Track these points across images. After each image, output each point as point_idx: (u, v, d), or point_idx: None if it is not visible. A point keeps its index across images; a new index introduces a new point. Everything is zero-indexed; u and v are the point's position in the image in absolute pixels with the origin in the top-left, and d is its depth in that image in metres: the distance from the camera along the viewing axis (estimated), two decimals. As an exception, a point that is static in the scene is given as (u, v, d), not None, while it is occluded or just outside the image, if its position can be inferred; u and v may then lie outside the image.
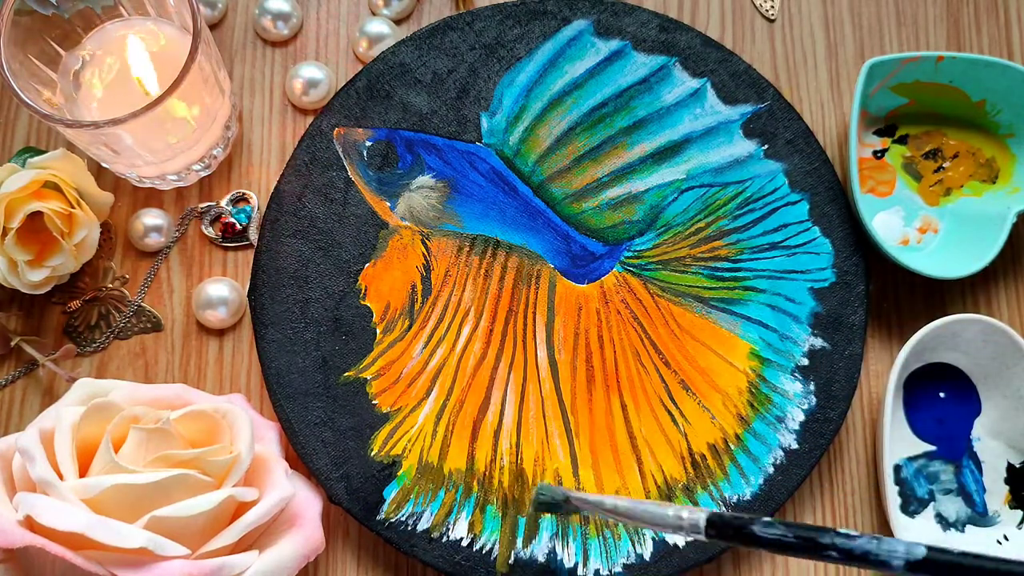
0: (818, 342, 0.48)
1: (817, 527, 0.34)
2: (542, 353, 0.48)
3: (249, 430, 0.42)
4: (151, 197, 0.51)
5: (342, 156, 0.49)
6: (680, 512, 0.37)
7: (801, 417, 0.47)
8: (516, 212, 0.50)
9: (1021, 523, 0.47)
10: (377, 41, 0.53)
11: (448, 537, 0.45)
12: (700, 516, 0.37)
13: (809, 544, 0.34)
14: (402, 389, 0.47)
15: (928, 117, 0.52)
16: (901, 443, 0.48)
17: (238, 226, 0.51)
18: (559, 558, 0.45)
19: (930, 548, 0.32)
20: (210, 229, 0.51)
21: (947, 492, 0.48)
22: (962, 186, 0.51)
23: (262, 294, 0.48)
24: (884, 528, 0.48)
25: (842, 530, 0.34)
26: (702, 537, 0.37)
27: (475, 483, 0.46)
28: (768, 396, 0.47)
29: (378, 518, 0.45)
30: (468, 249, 0.49)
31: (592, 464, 0.47)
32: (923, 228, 0.51)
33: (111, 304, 0.50)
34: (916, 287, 0.51)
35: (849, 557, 0.33)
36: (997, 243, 0.48)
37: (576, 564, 0.45)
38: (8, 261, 0.46)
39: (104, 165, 0.49)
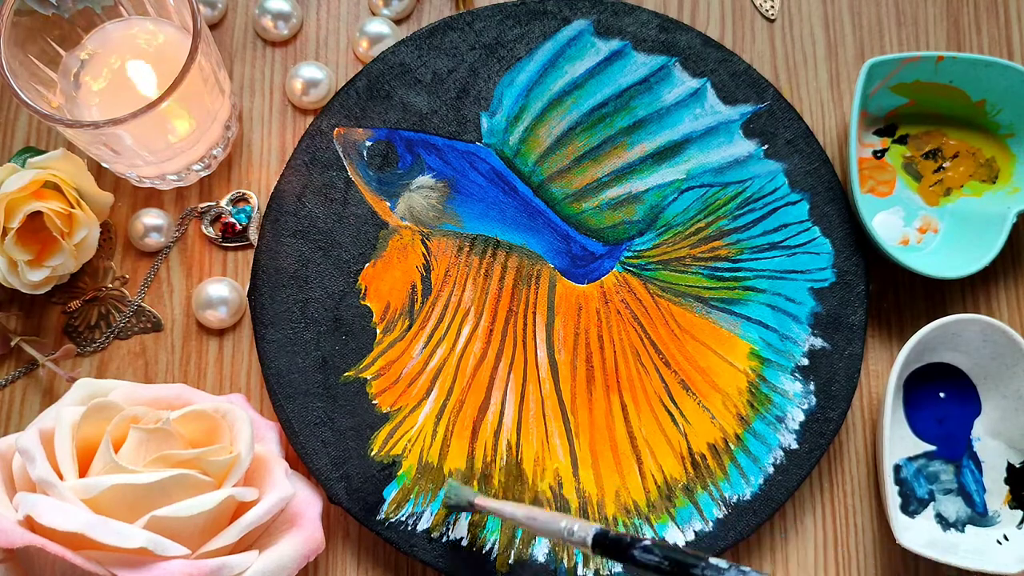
0: (818, 342, 0.48)
1: (692, 554, 0.35)
2: (542, 353, 0.48)
3: (249, 430, 0.42)
4: (151, 197, 0.51)
5: (342, 156, 0.49)
6: (572, 526, 0.39)
7: (801, 417, 0.47)
8: (516, 212, 0.50)
9: (1021, 523, 0.47)
10: (377, 41, 0.53)
11: (448, 537, 0.45)
12: (588, 531, 0.38)
13: (681, 572, 0.35)
14: (402, 389, 0.47)
15: (928, 117, 0.52)
16: (901, 443, 0.48)
17: (238, 226, 0.51)
18: (559, 558, 0.45)
19: None
20: (210, 229, 0.51)
21: (947, 492, 0.48)
22: (962, 186, 0.51)
23: (262, 294, 0.48)
24: (884, 528, 0.48)
25: (713, 560, 0.35)
26: (590, 552, 0.38)
27: (475, 483, 0.46)
28: (768, 396, 0.47)
29: (378, 518, 0.45)
30: (468, 249, 0.49)
31: (592, 464, 0.47)
32: (923, 228, 0.51)
33: (111, 304, 0.50)
34: (916, 287, 0.51)
35: None
36: (997, 243, 0.48)
37: (576, 564, 0.45)
38: (8, 261, 0.46)
39: (104, 165, 0.49)
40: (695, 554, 0.35)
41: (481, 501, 0.42)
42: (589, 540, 0.38)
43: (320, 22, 0.54)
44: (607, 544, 0.38)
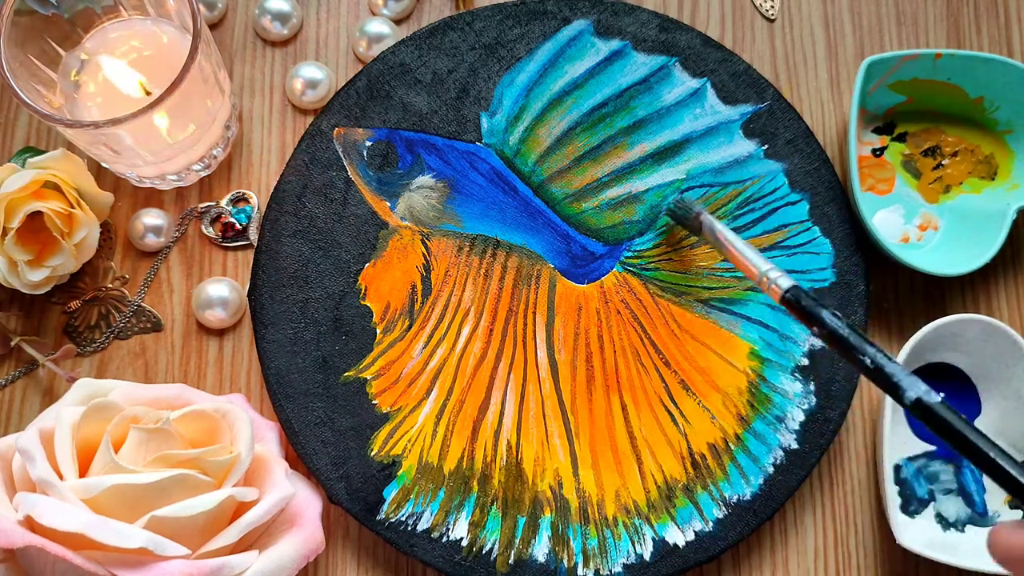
0: (818, 342, 0.48)
1: (867, 339, 0.37)
2: (542, 353, 0.48)
3: (249, 430, 0.42)
4: (151, 197, 0.51)
5: (342, 156, 0.49)
6: (771, 272, 0.41)
7: (801, 417, 0.47)
8: (516, 212, 0.50)
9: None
10: (377, 41, 0.53)
11: (448, 537, 0.45)
12: (782, 284, 0.40)
13: (854, 344, 0.37)
14: (402, 389, 0.47)
15: (927, 114, 0.52)
16: (901, 443, 0.48)
17: (238, 226, 0.51)
18: (559, 558, 0.45)
19: (943, 401, 0.35)
20: (210, 229, 0.51)
21: (947, 492, 0.48)
22: (961, 183, 0.51)
23: (262, 294, 0.48)
24: (884, 528, 0.48)
25: (885, 352, 0.37)
26: (776, 299, 0.41)
27: (475, 483, 0.46)
28: (768, 396, 0.47)
29: (378, 518, 0.45)
30: (468, 249, 0.49)
31: (592, 464, 0.47)
32: (923, 225, 0.51)
33: (111, 304, 0.50)
34: (916, 287, 0.51)
35: (876, 372, 0.36)
36: (997, 240, 0.48)
37: (576, 564, 0.45)
38: (8, 261, 0.46)
39: (104, 165, 0.49)
40: (869, 340, 0.37)
41: (706, 216, 0.45)
42: (781, 291, 0.40)
43: (320, 22, 0.54)
44: (795, 301, 0.40)
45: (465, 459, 0.46)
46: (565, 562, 0.45)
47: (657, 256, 0.49)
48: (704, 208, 0.47)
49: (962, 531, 0.47)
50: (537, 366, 0.48)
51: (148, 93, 0.48)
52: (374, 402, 0.47)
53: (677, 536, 0.45)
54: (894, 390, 0.35)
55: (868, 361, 0.36)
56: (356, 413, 0.47)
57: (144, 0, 0.48)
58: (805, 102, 0.54)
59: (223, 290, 0.49)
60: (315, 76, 0.52)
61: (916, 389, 0.35)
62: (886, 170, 0.52)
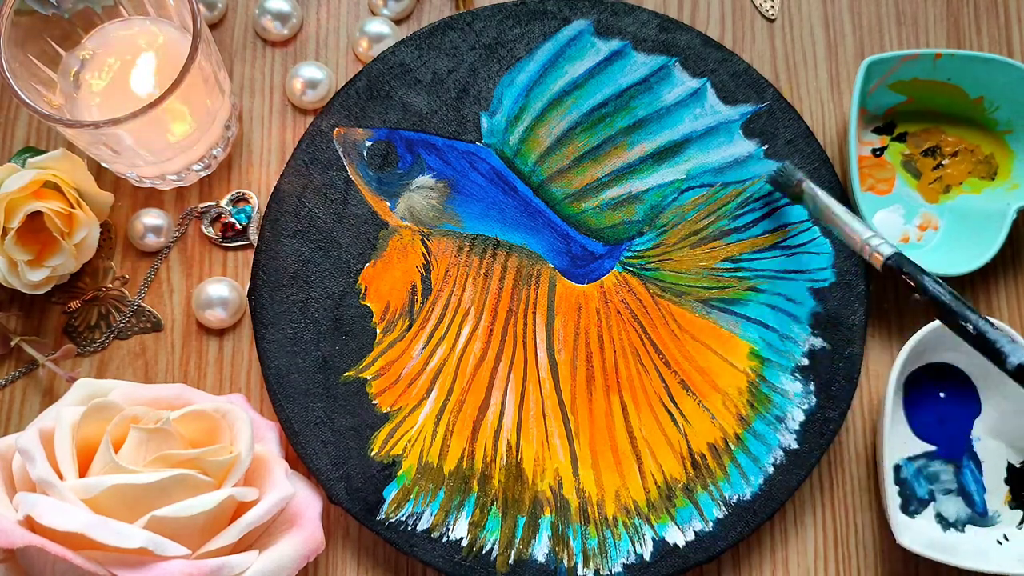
0: (818, 342, 0.48)
1: (969, 305, 0.38)
2: (542, 353, 0.48)
3: (249, 430, 0.42)
4: (151, 197, 0.51)
5: (342, 156, 0.49)
6: (873, 240, 0.43)
7: (801, 417, 0.47)
8: (516, 212, 0.50)
9: (1021, 523, 0.47)
10: (377, 41, 0.53)
11: (448, 537, 0.45)
12: (884, 251, 0.42)
13: (956, 311, 0.38)
14: (402, 389, 0.47)
15: (927, 114, 0.52)
16: (901, 443, 0.48)
17: (238, 226, 0.51)
18: (559, 558, 0.45)
19: None
20: (210, 229, 0.51)
21: (947, 492, 0.48)
22: (961, 183, 0.51)
23: (262, 294, 0.48)
24: (884, 528, 0.48)
25: (988, 318, 0.38)
26: (878, 266, 0.42)
27: (475, 483, 0.46)
28: (768, 396, 0.47)
29: (378, 518, 0.45)
30: (468, 249, 0.49)
31: (592, 464, 0.47)
32: (923, 225, 0.51)
33: (111, 304, 0.50)
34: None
35: (978, 338, 0.37)
36: (998, 240, 0.48)
37: (576, 564, 0.45)
38: (8, 261, 0.46)
39: (104, 165, 0.49)
40: (972, 307, 0.38)
41: (808, 183, 0.46)
42: (883, 258, 0.42)
43: (320, 22, 0.54)
44: (897, 268, 0.41)
45: (465, 459, 0.46)
46: (565, 562, 0.45)
47: (657, 256, 0.49)
48: (806, 176, 0.47)
49: (962, 531, 0.47)
50: (537, 366, 0.48)
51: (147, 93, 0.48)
52: (374, 402, 0.47)
53: (677, 536, 0.45)
54: (996, 356, 0.36)
55: (970, 327, 0.37)
56: (356, 413, 0.47)
57: (144, 0, 0.48)
58: (805, 102, 0.54)
59: (223, 290, 0.49)
60: (315, 76, 0.52)
61: (1018, 355, 0.35)
62: (886, 170, 0.52)
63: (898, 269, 0.41)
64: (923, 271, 0.40)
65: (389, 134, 0.50)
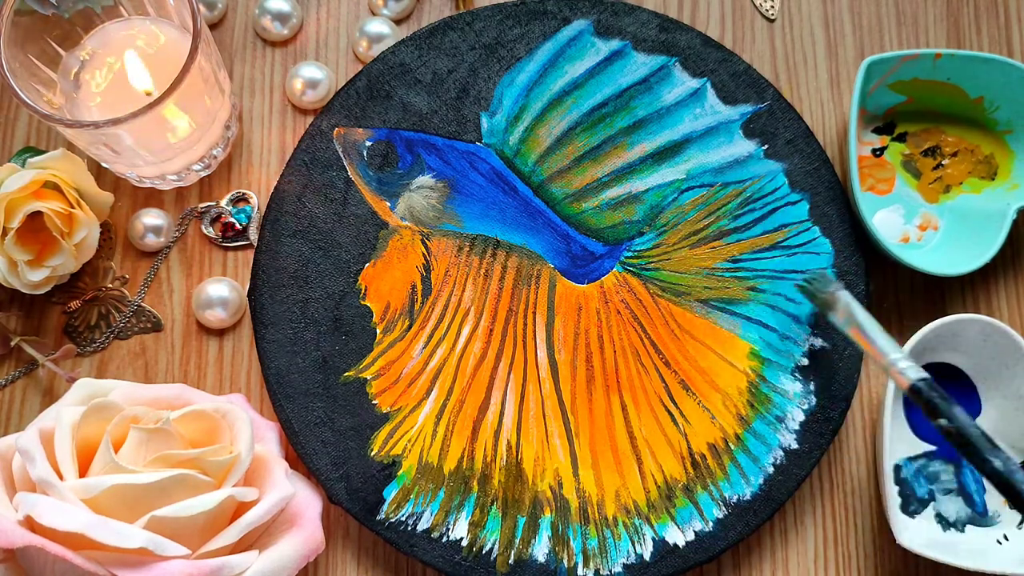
0: (818, 342, 0.48)
1: (994, 442, 0.38)
2: (542, 353, 0.48)
3: (249, 430, 0.42)
4: (151, 197, 0.51)
5: (342, 156, 0.49)
6: (901, 363, 0.42)
7: (801, 417, 0.47)
8: (516, 212, 0.50)
9: (1021, 523, 0.47)
10: (377, 41, 0.53)
11: (448, 537, 0.45)
12: (911, 375, 0.41)
13: (977, 452, 0.38)
14: (402, 389, 0.47)
15: (927, 114, 0.52)
16: (901, 443, 0.48)
17: (238, 226, 0.51)
18: (559, 558, 0.45)
19: None
20: (210, 229, 0.51)
21: (947, 492, 0.48)
22: (961, 183, 0.51)
23: (262, 294, 0.48)
24: (884, 528, 0.48)
25: (1012, 458, 0.38)
26: (903, 388, 0.41)
27: (475, 483, 0.46)
28: (768, 396, 0.47)
29: (378, 518, 0.45)
30: (468, 249, 0.49)
31: (592, 464, 0.47)
32: (923, 225, 0.51)
33: (111, 304, 0.50)
34: (916, 287, 0.51)
35: (998, 478, 0.37)
36: (998, 240, 0.48)
37: (576, 564, 0.45)
38: (8, 261, 0.46)
39: (104, 165, 0.49)
40: (995, 445, 0.38)
41: (844, 293, 0.45)
42: (909, 383, 0.41)
43: (320, 22, 0.54)
44: (922, 399, 0.41)
45: (465, 459, 0.46)
46: (565, 562, 0.45)
47: (657, 256, 0.49)
48: (842, 286, 0.46)
49: (962, 531, 0.47)
50: (537, 366, 0.48)
51: (148, 93, 0.48)
52: (374, 402, 0.47)
53: (677, 536, 0.45)
54: (1018, 499, 0.36)
55: (998, 463, 0.37)
56: (356, 413, 0.47)
57: (144, 0, 0.48)
58: (805, 102, 0.54)
59: (223, 290, 0.49)
60: (315, 76, 0.52)
61: None
62: (886, 170, 0.52)
63: (923, 395, 0.40)
64: (949, 400, 0.40)
65: (389, 134, 0.50)
